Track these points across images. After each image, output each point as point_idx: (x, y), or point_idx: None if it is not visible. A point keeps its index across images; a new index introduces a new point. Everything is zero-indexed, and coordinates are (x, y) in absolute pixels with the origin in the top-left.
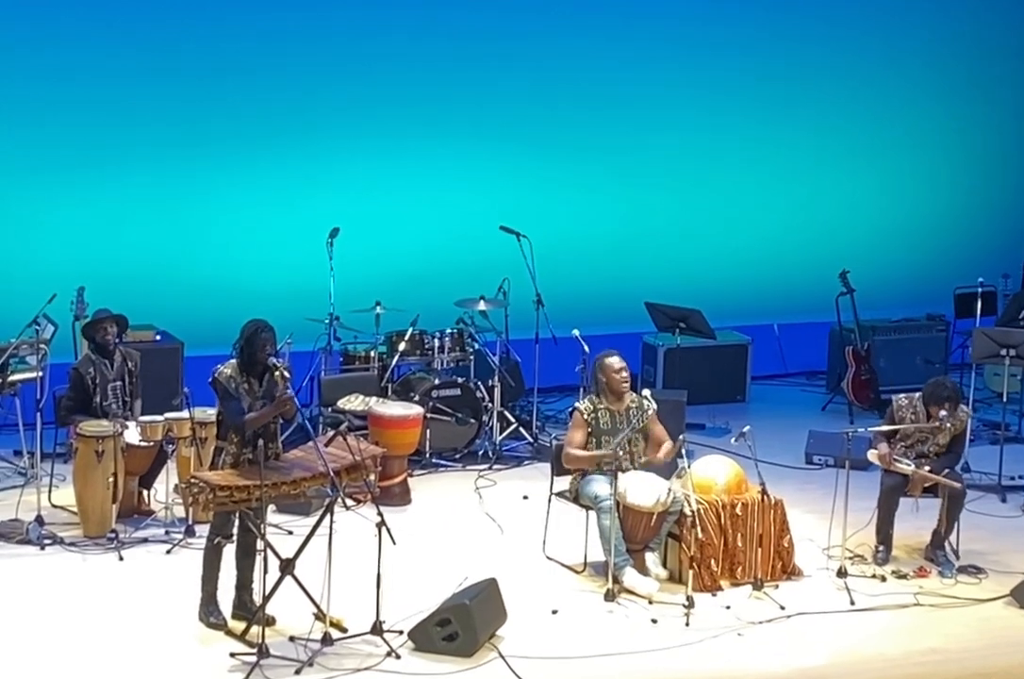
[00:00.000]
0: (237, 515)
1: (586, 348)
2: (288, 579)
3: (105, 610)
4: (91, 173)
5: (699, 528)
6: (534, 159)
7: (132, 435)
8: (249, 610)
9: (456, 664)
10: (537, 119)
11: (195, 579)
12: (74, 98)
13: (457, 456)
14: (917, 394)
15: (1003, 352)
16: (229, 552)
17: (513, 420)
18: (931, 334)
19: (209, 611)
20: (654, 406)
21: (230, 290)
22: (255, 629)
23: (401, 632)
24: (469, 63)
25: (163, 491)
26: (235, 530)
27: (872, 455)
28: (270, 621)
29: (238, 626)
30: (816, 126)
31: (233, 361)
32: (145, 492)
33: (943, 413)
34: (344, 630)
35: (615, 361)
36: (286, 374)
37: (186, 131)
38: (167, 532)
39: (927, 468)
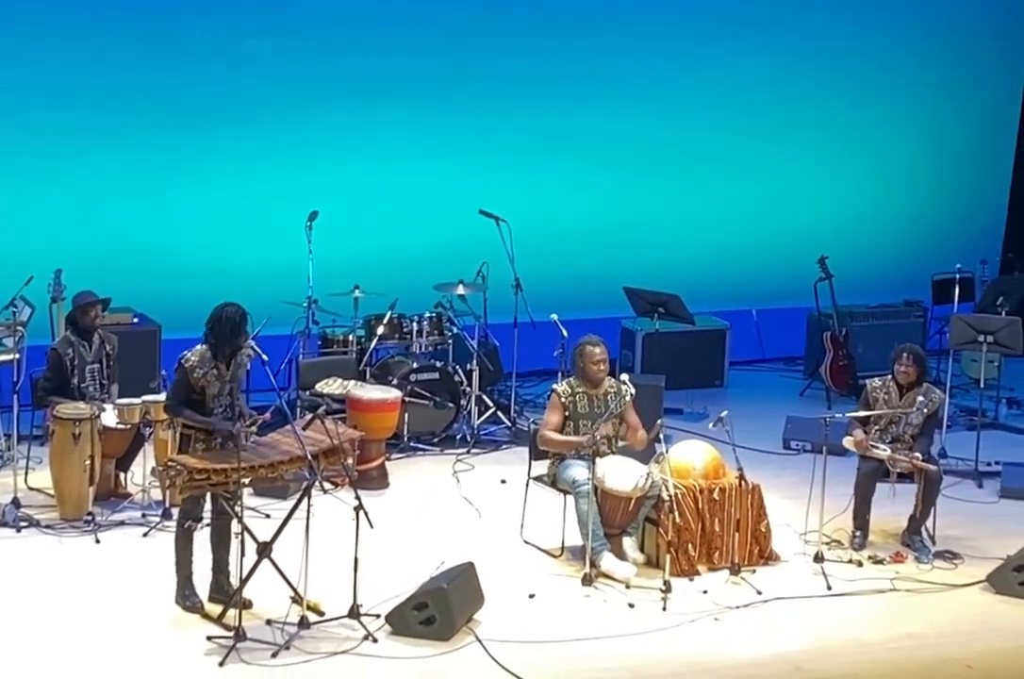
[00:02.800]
0: (208, 498)
1: (565, 333)
2: (265, 562)
3: (81, 593)
4: (69, 156)
5: (676, 513)
6: (514, 144)
7: (109, 418)
8: (226, 593)
9: (433, 648)
10: (518, 104)
11: (171, 562)
12: (52, 81)
13: (435, 440)
14: (889, 375)
15: (980, 338)
16: (202, 535)
17: (491, 404)
18: (909, 320)
19: (185, 595)
20: (632, 391)
21: (208, 273)
22: (232, 612)
23: (378, 616)
24: (450, 49)
25: (140, 474)
26: (205, 513)
27: (848, 442)
28: (247, 604)
29: (215, 609)
30: (795, 113)
31: (200, 347)
32: (122, 475)
33: (901, 368)
34: (321, 613)
35: (597, 352)
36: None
37: (165, 114)
38: (144, 515)
39: (903, 453)
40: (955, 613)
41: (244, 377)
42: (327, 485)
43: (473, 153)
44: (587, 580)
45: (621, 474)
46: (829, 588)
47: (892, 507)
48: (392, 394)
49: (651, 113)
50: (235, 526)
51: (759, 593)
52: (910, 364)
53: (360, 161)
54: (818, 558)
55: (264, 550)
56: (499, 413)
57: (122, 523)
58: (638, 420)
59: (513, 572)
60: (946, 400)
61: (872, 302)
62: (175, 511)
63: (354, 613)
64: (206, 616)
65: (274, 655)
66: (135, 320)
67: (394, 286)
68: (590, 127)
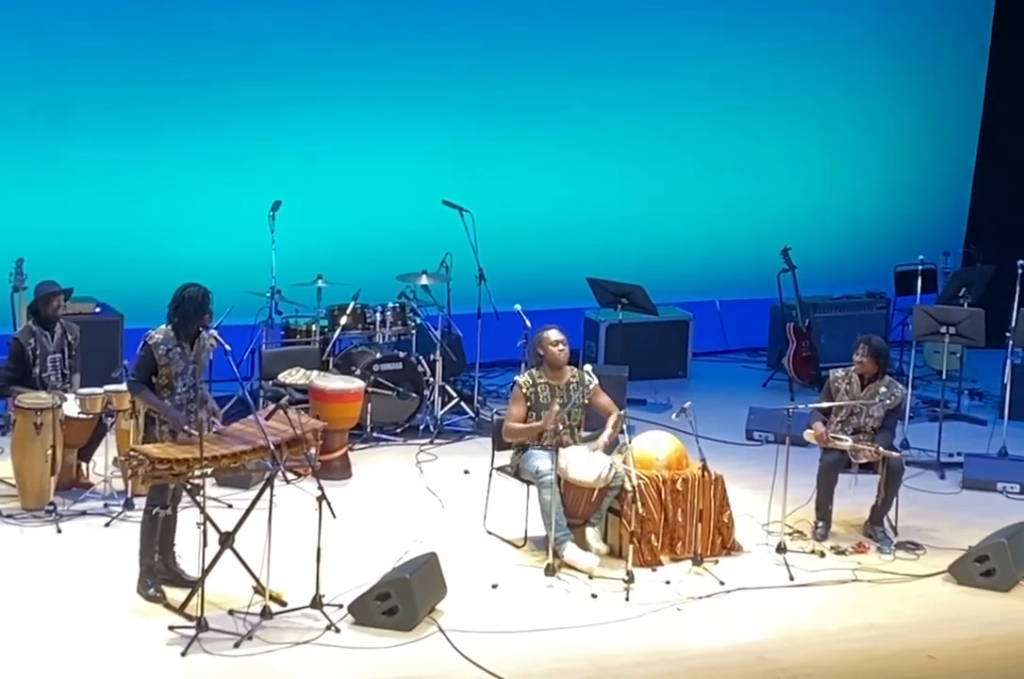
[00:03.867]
0: (173, 484)
1: (528, 323)
2: (227, 552)
3: (43, 583)
4: (30, 144)
5: (639, 503)
6: (478, 134)
7: (71, 407)
8: (175, 573)
9: (396, 638)
10: (481, 94)
11: (134, 552)
12: (11, 68)
13: (398, 430)
14: (853, 366)
15: (943, 329)
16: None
17: (455, 395)
18: (872, 311)
19: (148, 584)
20: (595, 381)
21: (171, 263)
22: (194, 602)
23: (341, 606)
24: (411, 38)
25: (102, 464)
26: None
27: (808, 435)
28: (191, 583)
29: (177, 599)
30: (757, 105)
31: (164, 327)
32: (84, 465)
33: (857, 358)
34: (283, 604)
35: (552, 334)
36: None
37: (127, 104)
38: (106, 505)
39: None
40: (917, 603)
41: (207, 361)
42: (290, 475)
43: (437, 143)
44: (550, 570)
45: (584, 465)
46: (791, 579)
47: (854, 498)
48: (355, 384)
49: (616, 105)
50: (197, 516)
51: (722, 583)
52: (865, 355)
53: (324, 151)
54: (780, 549)
55: (226, 540)
56: (462, 403)
57: (84, 513)
58: (610, 401)
59: (476, 562)
60: (908, 393)
61: (835, 293)
62: (137, 501)
63: (317, 603)
64: (168, 606)
65: (236, 645)
66: (97, 310)
67: (357, 276)
68: (555, 118)
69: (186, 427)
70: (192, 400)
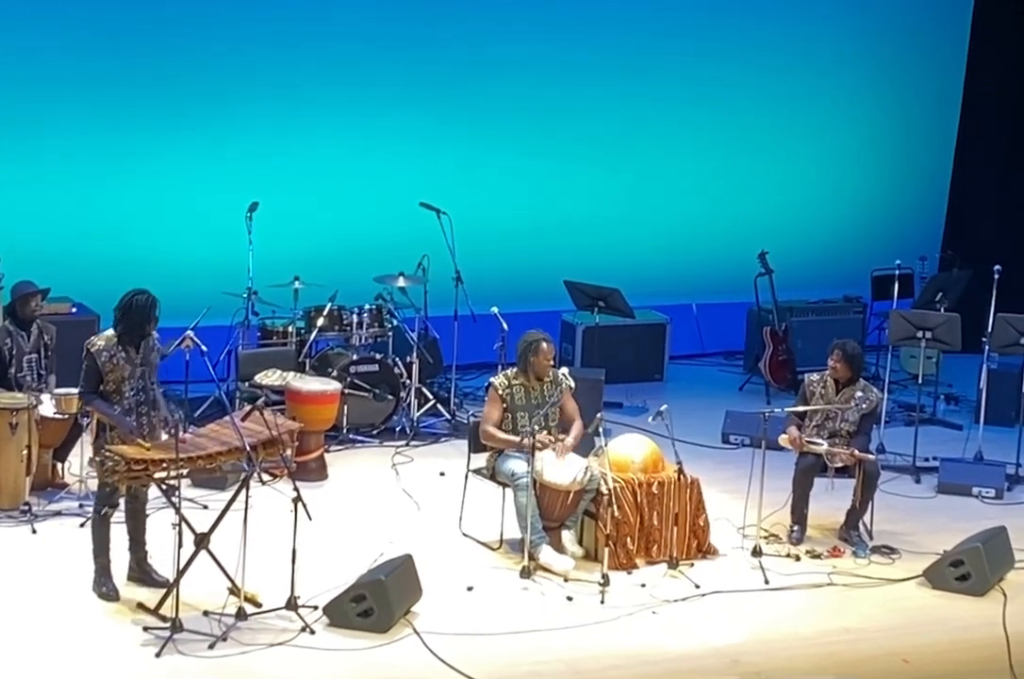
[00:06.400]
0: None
1: (505, 326)
2: (203, 553)
3: (17, 583)
4: (3, 144)
5: (615, 506)
6: (456, 136)
7: (47, 408)
8: (145, 572)
9: (371, 640)
10: (460, 96)
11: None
12: None
13: (374, 432)
14: (827, 371)
15: (919, 334)
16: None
17: (431, 397)
18: (848, 315)
19: (101, 582)
20: (570, 383)
21: (148, 264)
22: (168, 603)
23: (316, 607)
24: (389, 40)
25: (77, 464)
26: (121, 499)
27: (783, 440)
28: (160, 583)
29: (137, 591)
30: (735, 108)
31: (108, 332)
32: (59, 465)
33: (830, 363)
34: (259, 605)
35: (549, 350)
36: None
37: (104, 103)
38: (81, 505)
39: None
40: (892, 608)
41: (157, 362)
42: (265, 476)
43: (415, 145)
44: (525, 573)
45: (560, 467)
46: (767, 582)
47: (830, 502)
48: (331, 386)
49: (592, 107)
50: (173, 517)
51: (697, 587)
52: (838, 360)
53: (301, 152)
54: (756, 552)
55: (202, 541)
56: (439, 406)
57: (59, 513)
58: (576, 409)
59: (451, 564)
60: (884, 398)
61: (812, 297)
62: None
63: (292, 605)
64: (142, 607)
65: (211, 646)
66: (73, 310)
67: (334, 278)
68: (533, 120)
69: (137, 437)
70: (143, 403)
